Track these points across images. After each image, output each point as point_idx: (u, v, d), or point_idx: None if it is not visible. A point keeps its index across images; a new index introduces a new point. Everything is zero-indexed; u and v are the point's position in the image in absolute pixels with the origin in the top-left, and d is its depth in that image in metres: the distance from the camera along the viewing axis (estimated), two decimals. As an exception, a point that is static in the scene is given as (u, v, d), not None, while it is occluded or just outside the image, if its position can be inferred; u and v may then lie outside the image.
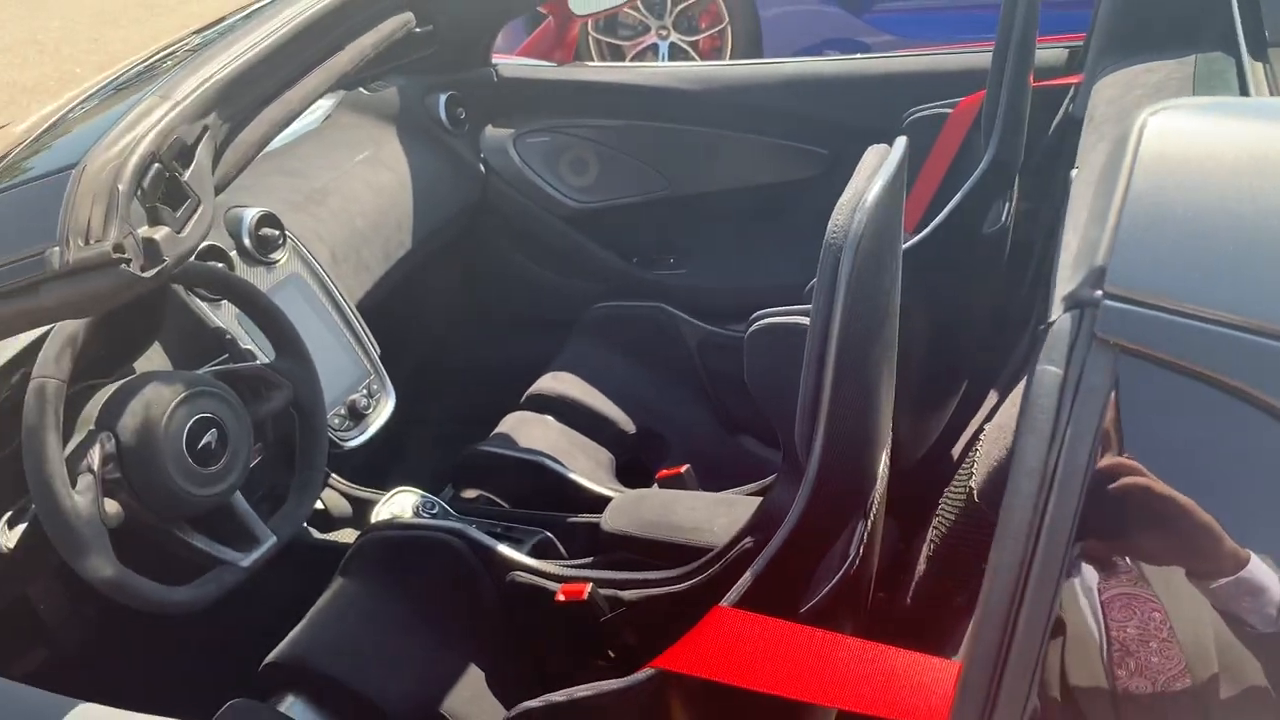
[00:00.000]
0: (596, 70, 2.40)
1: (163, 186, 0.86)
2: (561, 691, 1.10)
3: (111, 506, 1.15)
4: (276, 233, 1.61)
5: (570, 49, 2.53)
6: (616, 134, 2.19)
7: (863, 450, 0.93)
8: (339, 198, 1.88)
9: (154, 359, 1.43)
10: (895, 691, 0.65)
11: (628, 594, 1.44)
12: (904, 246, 1.22)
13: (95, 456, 1.14)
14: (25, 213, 0.84)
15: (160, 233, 0.84)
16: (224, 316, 1.46)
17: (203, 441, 1.22)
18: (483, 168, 2.18)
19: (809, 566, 0.90)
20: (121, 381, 1.22)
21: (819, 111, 2.11)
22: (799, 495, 0.87)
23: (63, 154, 0.90)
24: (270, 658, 1.46)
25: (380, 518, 1.70)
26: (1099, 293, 0.55)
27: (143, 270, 0.82)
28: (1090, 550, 0.59)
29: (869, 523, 0.97)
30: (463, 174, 2.13)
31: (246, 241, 1.57)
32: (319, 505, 1.91)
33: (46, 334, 1.16)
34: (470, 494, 1.84)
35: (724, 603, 0.81)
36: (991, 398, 1.58)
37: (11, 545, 1.19)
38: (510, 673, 1.52)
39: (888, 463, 1.09)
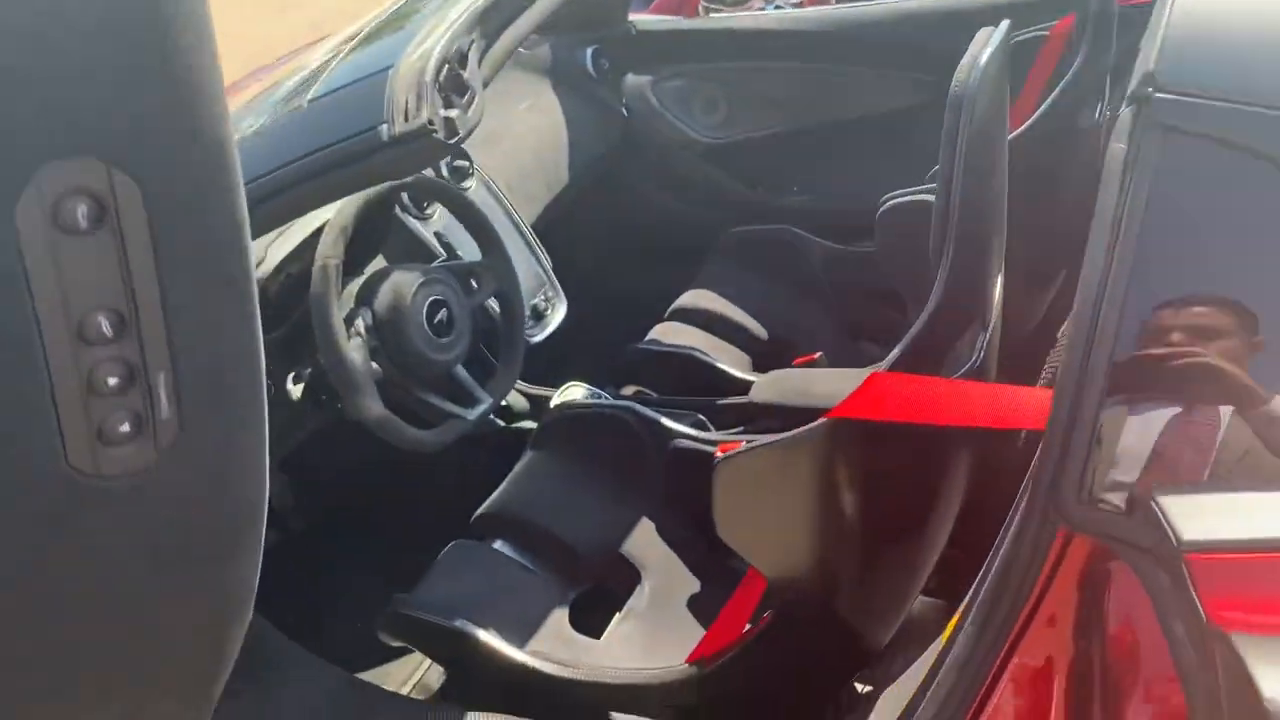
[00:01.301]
0: (722, 19, 2.66)
1: (451, 81, 1.17)
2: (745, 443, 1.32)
3: (372, 367, 1.47)
4: (467, 164, 1.92)
5: (693, 8, 2.79)
6: (743, 75, 2.44)
7: (979, 272, 1.16)
8: (509, 139, 2.18)
9: (379, 265, 1.76)
10: (1010, 412, 0.89)
11: (775, 449, 1.70)
12: (1008, 137, 1.43)
13: (360, 326, 1.45)
14: (357, 103, 1.15)
15: (454, 113, 1.14)
16: (435, 227, 1.77)
17: (437, 317, 1.52)
18: (625, 112, 2.47)
19: (939, 348, 1.11)
20: (373, 270, 1.53)
21: (928, 42, 2.32)
22: (931, 298, 1.10)
23: (373, 62, 1.21)
24: (480, 511, 1.77)
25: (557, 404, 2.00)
26: (1150, 89, 0.78)
27: (447, 139, 1.13)
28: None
29: (988, 334, 1.19)
30: (608, 118, 2.42)
31: (444, 172, 1.89)
32: (503, 402, 2.23)
33: (318, 232, 1.48)
34: (629, 390, 2.12)
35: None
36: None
37: (298, 397, 1.53)
38: (675, 524, 1.80)
39: (1000, 297, 1.30)
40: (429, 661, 1.86)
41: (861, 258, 2.33)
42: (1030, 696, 0.80)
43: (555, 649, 1.49)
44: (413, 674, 1.85)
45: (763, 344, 2.24)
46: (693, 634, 1.63)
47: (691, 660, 1.31)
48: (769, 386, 1.81)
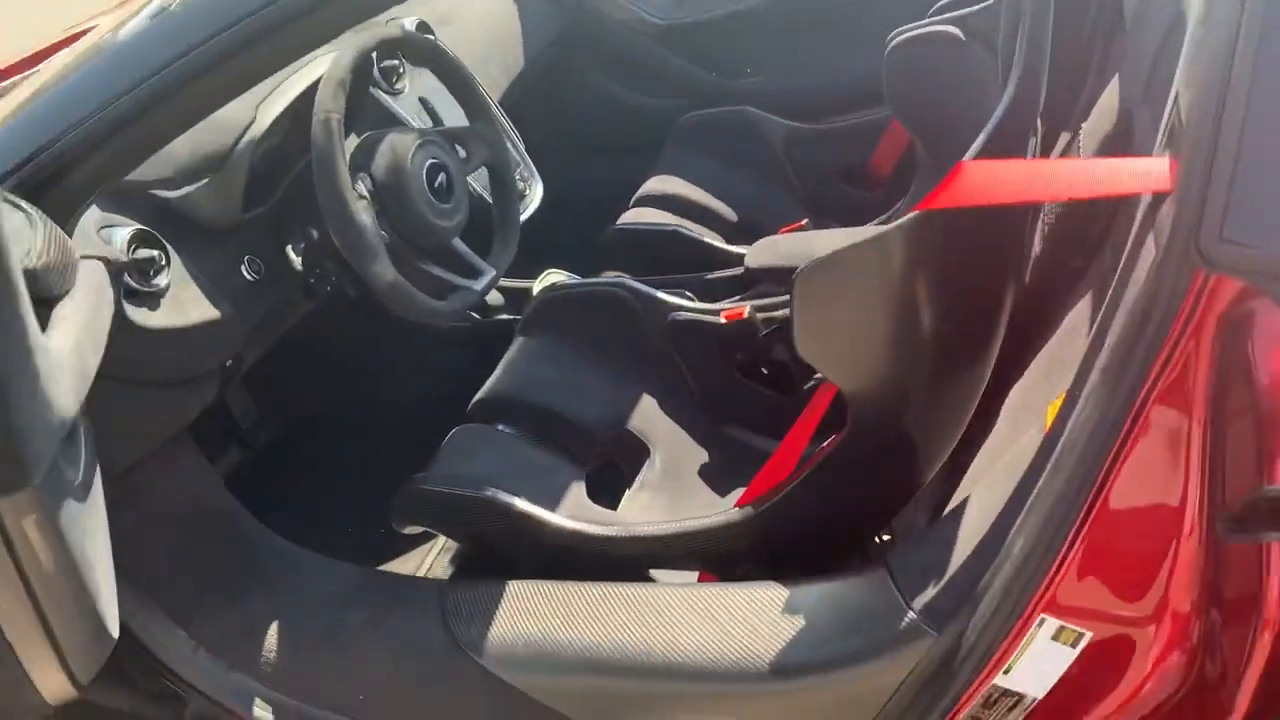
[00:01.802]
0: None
1: None
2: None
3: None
4: (431, 38, 1.82)
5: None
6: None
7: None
8: (460, 23, 2.08)
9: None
10: (1110, 177, 0.88)
11: (780, 313, 1.69)
12: None
13: (361, 189, 1.37)
14: None
15: None
16: (413, 97, 1.68)
17: (437, 181, 1.45)
18: None
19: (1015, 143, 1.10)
20: (367, 133, 1.44)
21: None
22: (1005, 93, 1.08)
23: None
24: (478, 397, 1.71)
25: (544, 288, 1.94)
26: None
27: None
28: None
29: (1038, 140, 1.20)
30: (560, 2, 2.34)
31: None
32: (475, 296, 2.16)
33: (309, 91, 1.38)
34: (609, 274, 2.07)
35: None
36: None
37: (300, 267, 1.44)
38: (676, 399, 1.77)
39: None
40: (436, 550, 1.80)
41: (823, 135, 2.33)
42: (1166, 451, 0.81)
43: (583, 518, 1.46)
44: (420, 565, 1.80)
45: (732, 226, 2.22)
46: (709, 500, 1.62)
47: (741, 504, 1.30)
48: (765, 251, 1.79)
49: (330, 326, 2.05)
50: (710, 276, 1.93)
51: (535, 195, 1.92)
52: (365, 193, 1.36)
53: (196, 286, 1.34)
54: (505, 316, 2.07)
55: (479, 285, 1.53)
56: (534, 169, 1.94)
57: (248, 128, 1.37)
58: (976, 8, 1.45)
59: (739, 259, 1.92)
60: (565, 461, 1.62)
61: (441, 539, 1.84)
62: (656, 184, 2.25)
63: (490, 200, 1.76)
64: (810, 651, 1.05)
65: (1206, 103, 0.76)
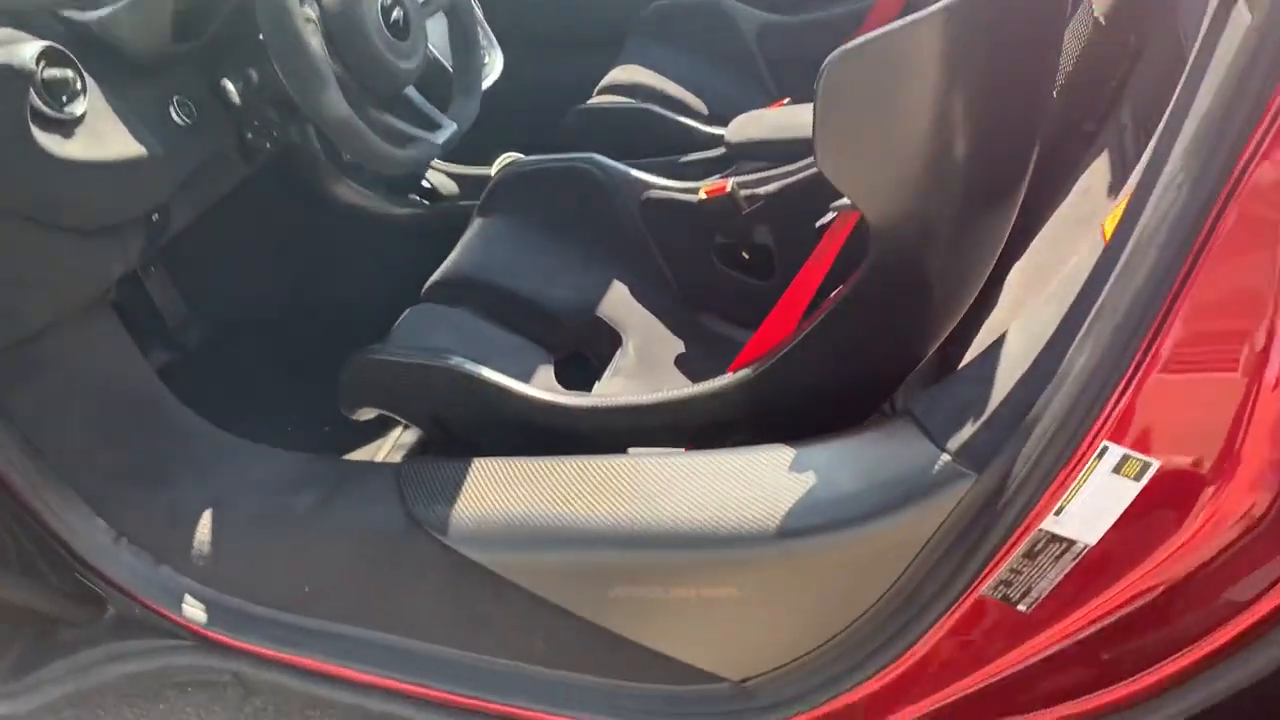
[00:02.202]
0: None
1: None
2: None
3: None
4: None
5: None
6: None
7: None
8: None
9: None
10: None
11: (764, 189, 1.57)
12: None
13: (310, 12, 1.20)
14: None
15: None
16: None
17: (393, 16, 1.28)
18: None
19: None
20: None
21: None
22: None
23: None
24: (432, 279, 1.56)
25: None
26: None
27: None
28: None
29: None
30: None
31: None
32: (426, 184, 2.00)
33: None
34: (578, 156, 1.92)
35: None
36: None
37: (237, 101, 1.27)
38: (653, 285, 1.64)
39: None
40: (388, 448, 1.66)
41: (800, 27, 2.20)
42: (1260, 241, 0.71)
43: (556, 391, 1.32)
44: (374, 456, 1.65)
45: (703, 119, 2.09)
46: (686, 387, 1.50)
47: (735, 369, 1.18)
48: (748, 124, 1.66)
49: (269, 216, 1.87)
50: (685, 159, 1.80)
51: (496, 65, 1.76)
52: (313, 16, 1.19)
53: (118, 119, 1.16)
54: (462, 202, 1.91)
55: (439, 138, 1.37)
56: (493, 38, 1.78)
57: None
58: None
59: (717, 141, 1.79)
60: (532, 345, 1.48)
61: (393, 436, 1.69)
62: (621, 74, 2.10)
63: (447, 65, 1.60)
64: (823, 510, 0.94)
65: None
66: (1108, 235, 0.82)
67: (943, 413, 0.91)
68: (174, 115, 1.26)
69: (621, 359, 1.52)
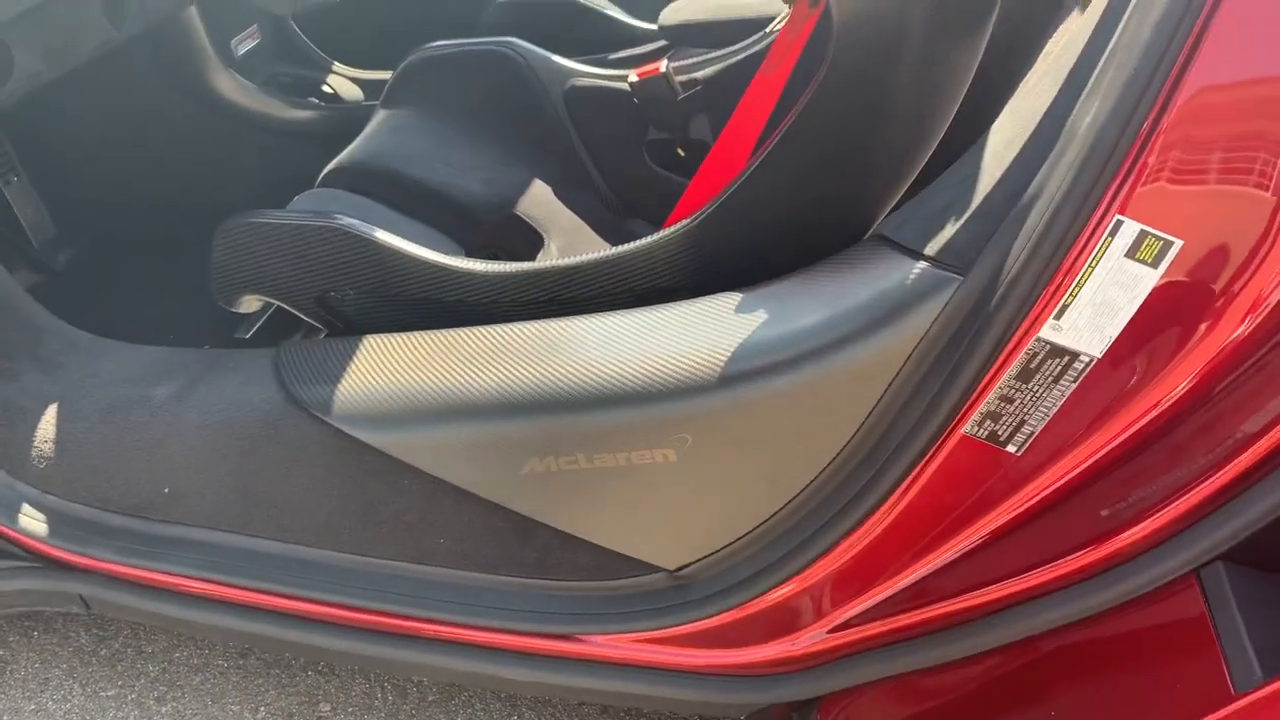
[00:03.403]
0: None
1: None
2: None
3: None
4: None
5: None
6: None
7: None
8: None
9: None
10: None
11: (701, 73, 1.43)
12: None
13: None
14: None
15: None
16: None
17: None
18: None
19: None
20: None
21: None
22: None
23: None
24: (328, 168, 1.38)
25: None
26: None
27: None
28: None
29: None
30: None
31: None
32: (327, 89, 1.81)
33: None
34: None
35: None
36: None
37: None
38: (578, 185, 1.49)
39: None
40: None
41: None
42: None
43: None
44: None
45: (635, 14, 1.94)
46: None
47: (670, 225, 1.02)
48: (684, 8, 1.51)
49: (147, 115, 1.67)
50: (615, 56, 1.65)
51: None
52: None
53: None
54: (367, 103, 1.73)
55: None
56: None
57: None
58: None
59: (652, 37, 1.64)
60: (441, 235, 1.31)
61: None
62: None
63: None
64: (777, 346, 0.79)
65: None
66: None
67: (917, 221, 0.77)
68: None
69: (544, 257, 1.36)
